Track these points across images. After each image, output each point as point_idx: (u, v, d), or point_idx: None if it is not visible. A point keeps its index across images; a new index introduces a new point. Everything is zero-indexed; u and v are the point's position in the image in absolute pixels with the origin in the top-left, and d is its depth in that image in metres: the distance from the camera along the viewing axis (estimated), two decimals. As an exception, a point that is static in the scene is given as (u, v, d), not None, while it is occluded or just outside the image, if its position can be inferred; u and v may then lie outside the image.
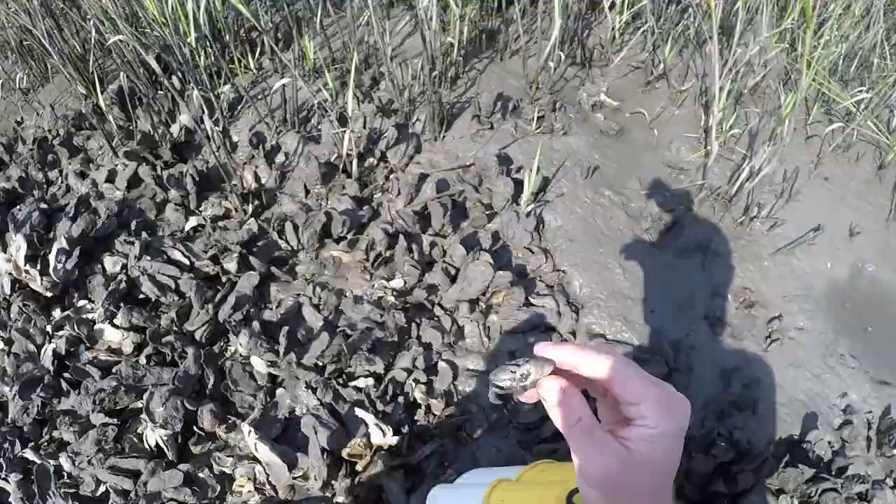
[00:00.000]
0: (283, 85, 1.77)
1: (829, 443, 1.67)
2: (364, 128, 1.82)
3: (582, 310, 1.61)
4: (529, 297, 1.59)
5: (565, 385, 0.51)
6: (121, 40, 1.78)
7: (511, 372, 0.53)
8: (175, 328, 1.64)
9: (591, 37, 2.22)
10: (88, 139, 2.05)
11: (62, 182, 1.95)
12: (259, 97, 1.99)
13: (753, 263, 1.78)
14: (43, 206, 1.81)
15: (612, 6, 2.09)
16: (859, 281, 1.88)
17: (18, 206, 1.78)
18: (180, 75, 1.95)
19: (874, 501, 1.62)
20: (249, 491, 1.41)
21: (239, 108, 1.99)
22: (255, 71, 2.08)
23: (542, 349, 0.53)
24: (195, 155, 1.94)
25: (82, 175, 1.93)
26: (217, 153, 1.78)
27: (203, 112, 1.80)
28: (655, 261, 1.71)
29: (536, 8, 2.04)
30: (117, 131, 1.94)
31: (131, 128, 1.98)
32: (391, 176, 1.76)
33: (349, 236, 1.68)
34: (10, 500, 1.41)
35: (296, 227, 1.70)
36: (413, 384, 1.52)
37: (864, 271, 1.90)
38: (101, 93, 1.90)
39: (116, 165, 1.94)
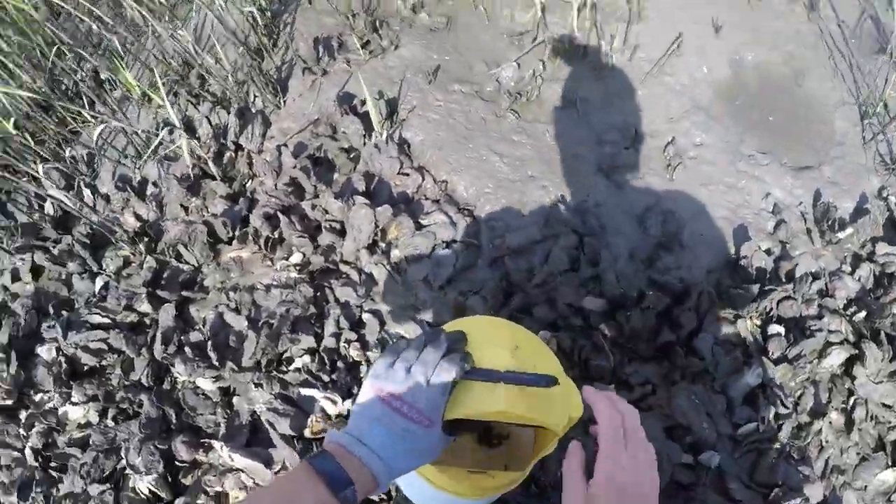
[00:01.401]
0: (123, 127, 1.73)
1: (768, 251, 1.58)
2: (210, 126, 1.79)
3: (476, 209, 1.61)
4: (420, 220, 1.59)
5: (576, 450, 0.75)
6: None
7: None
8: (125, 382, 1.70)
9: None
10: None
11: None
12: (106, 145, 1.95)
13: (627, 96, 1.73)
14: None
15: None
16: (743, 74, 1.80)
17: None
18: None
19: (837, 294, 1.52)
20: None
21: (95, 161, 1.96)
22: (92, 121, 2.03)
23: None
24: (77, 222, 1.94)
25: (-12, 286, 1.95)
26: (94, 211, 1.78)
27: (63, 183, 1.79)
28: (529, 133, 1.68)
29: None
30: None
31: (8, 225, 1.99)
32: (253, 160, 1.74)
33: (237, 234, 1.69)
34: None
35: (186, 246, 1.72)
36: (346, 345, 1.57)
37: (744, 62, 1.80)
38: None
39: (15, 264, 1.96)
